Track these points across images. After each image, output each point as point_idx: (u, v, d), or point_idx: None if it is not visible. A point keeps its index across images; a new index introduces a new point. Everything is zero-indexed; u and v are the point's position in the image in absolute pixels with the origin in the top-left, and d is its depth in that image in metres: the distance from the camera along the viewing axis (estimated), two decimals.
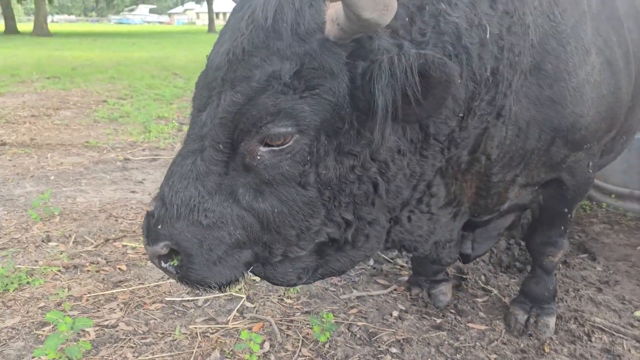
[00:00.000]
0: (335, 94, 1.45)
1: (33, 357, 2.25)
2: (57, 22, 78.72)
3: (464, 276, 3.19)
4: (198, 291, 1.75)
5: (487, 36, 1.71)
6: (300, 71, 1.42)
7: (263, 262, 1.69)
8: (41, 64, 14.10)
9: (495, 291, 3.02)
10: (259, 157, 1.47)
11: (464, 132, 1.81)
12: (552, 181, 2.29)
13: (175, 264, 1.54)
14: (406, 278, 3.08)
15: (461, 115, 1.74)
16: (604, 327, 2.68)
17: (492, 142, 1.92)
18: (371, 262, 3.30)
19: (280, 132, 1.44)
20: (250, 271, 1.69)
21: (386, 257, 3.40)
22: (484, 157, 1.96)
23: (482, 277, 3.19)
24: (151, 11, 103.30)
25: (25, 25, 46.11)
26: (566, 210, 2.45)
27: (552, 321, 2.63)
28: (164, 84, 10.75)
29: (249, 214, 1.52)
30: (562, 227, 2.54)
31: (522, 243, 3.63)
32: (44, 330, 2.49)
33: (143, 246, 1.56)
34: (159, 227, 1.51)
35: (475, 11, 1.69)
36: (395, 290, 2.97)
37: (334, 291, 2.92)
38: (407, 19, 1.59)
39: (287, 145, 1.46)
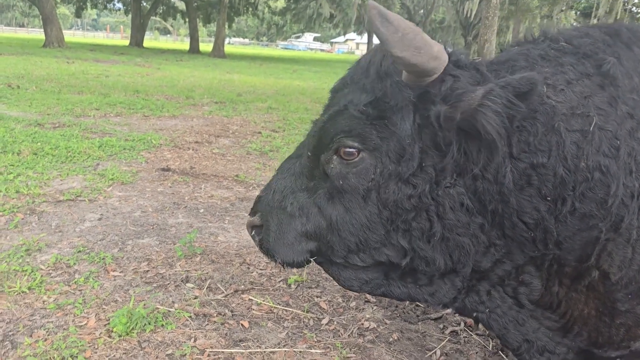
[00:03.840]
0: (399, 126, 1.67)
1: None
2: (233, 44, 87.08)
3: None
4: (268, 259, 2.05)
5: (591, 128, 1.65)
6: (373, 102, 1.70)
7: (329, 260, 1.93)
8: (212, 87, 15.64)
9: None
10: (332, 166, 1.78)
11: (563, 227, 1.66)
12: None
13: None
14: None
15: (549, 199, 1.66)
16: None
17: (612, 261, 1.68)
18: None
19: (350, 145, 1.72)
20: (319, 264, 1.98)
21: None
22: (597, 273, 1.72)
23: None
24: (315, 39, 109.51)
25: (206, 45, 51.66)
26: None
27: None
28: (315, 119, 11.21)
29: (320, 213, 1.83)
30: None
31: None
32: None
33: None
34: (258, 203, 1.99)
35: (584, 102, 1.70)
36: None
37: None
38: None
39: (354, 160, 1.73)
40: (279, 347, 3.02)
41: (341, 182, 1.76)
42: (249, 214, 2.02)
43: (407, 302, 3.72)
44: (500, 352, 3.18)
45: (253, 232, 2.00)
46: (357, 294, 3.78)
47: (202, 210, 5.24)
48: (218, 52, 36.00)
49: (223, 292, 3.60)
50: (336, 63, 40.33)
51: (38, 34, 61.66)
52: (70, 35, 67.02)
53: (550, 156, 1.65)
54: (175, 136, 8.45)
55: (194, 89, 14.82)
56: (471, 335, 3.37)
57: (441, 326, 3.48)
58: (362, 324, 3.39)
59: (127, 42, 47.23)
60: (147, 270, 3.83)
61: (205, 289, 3.63)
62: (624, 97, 1.72)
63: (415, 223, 1.72)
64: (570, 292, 1.82)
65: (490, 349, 3.22)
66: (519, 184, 1.68)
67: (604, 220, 1.65)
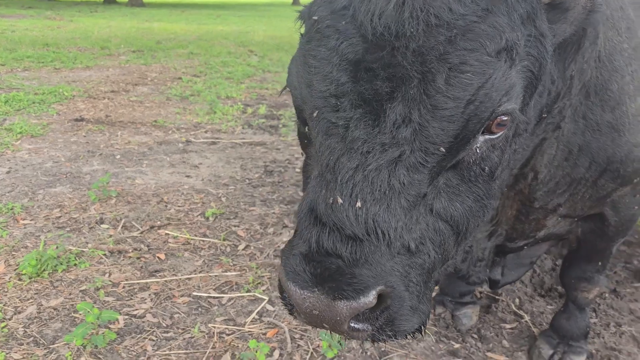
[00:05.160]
0: (538, 63, 1.27)
1: (64, 342, 2.46)
2: None
3: (496, 297, 3.07)
4: (395, 342, 1.34)
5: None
6: (530, 40, 1.23)
7: None
8: (130, 36, 14.86)
9: (527, 317, 2.88)
10: (477, 151, 1.23)
11: (529, 139, 1.64)
12: (594, 215, 2.14)
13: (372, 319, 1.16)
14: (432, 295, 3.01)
15: (544, 115, 1.58)
16: None
17: (542, 159, 1.80)
18: None
19: (509, 112, 1.21)
20: None
21: None
22: (531, 174, 1.84)
23: (516, 300, 3.05)
24: None
25: None
26: (605, 246, 2.28)
27: None
28: (238, 62, 11.00)
29: (445, 222, 1.24)
30: (600, 263, 2.37)
31: None
32: (80, 314, 2.71)
33: (312, 310, 1.13)
34: (362, 268, 1.11)
35: None
36: (431, 307, 2.91)
37: None
38: None
39: (503, 132, 1.24)
40: (194, 274, 3.12)
41: (481, 168, 1.27)
42: (339, 298, 1.09)
43: None
44: None
45: (358, 325, 1.15)
46: (274, 220, 3.90)
47: (118, 157, 5.13)
48: (136, 1, 33.93)
49: (139, 230, 3.62)
50: (262, 6, 39.12)
51: None
52: None
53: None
54: (89, 87, 8.08)
55: (109, 39, 14.03)
56: None
57: None
58: (279, 246, 3.53)
59: None
60: (60, 217, 3.78)
61: (120, 227, 3.64)
62: None
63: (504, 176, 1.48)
64: (503, 200, 1.93)
65: None
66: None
67: (554, 124, 1.72)
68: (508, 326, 2.81)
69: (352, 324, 1.14)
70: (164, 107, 7.15)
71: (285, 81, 1.39)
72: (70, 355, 2.38)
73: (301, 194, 4.38)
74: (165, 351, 2.46)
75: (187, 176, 4.72)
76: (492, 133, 1.22)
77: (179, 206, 4.07)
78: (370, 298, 1.10)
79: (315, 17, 1.24)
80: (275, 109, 7.27)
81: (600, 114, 1.77)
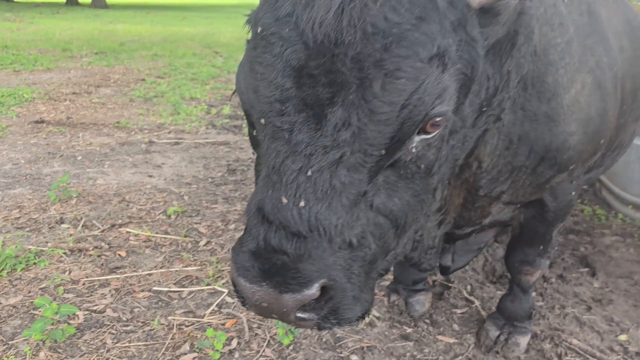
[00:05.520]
0: (470, 66, 1.36)
1: (23, 338, 2.47)
2: None
3: (449, 284, 3.20)
4: (341, 329, 1.46)
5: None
6: (461, 45, 1.30)
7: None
8: (92, 38, 14.64)
9: (477, 302, 3.02)
10: (413, 150, 1.31)
11: (472, 131, 1.74)
12: (534, 201, 2.27)
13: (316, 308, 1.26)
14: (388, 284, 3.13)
15: (484, 108, 1.68)
16: (579, 350, 2.65)
17: (485, 149, 1.90)
18: None
19: (442, 113, 1.28)
20: None
21: None
22: (475, 164, 1.94)
23: (468, 287, 3.19)
24: None
25: None
26: (545, 231, 2.43)
27: (523, 340, 2.62)
28: (203, 63, 10.98)
29: (384, 217, 1.34)
30: (541, 247, 2.51)
31: None
32: (39, 311, 2.71)
33: (258, 302, 1.23)
34: (305, 263, 1.19)
35: None
36: (374, 295, 3.02)
37: None
38: None
39: (437, 132, 1.32)
40: (155, 270, 3.16)
41: (417, 166, 1.35)
42: (285, 292, 1.19)
43: None
44: None
45: (303, 314, 1.25)
46: (236, 217, 3.97)
47: (79, 158, 5.10)
48: (99, 2, 33.32)
49: (99, 228, 3.63)
50: (229, 8, 38.95)
51: None
52: None
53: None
54: (50, 89, 7.96)
55: (71, 41, 13.80)
56: None
57: None
58: None
59: None
60: (19, 217, 3.75)
61: (80, 226, 3.64)
62: None
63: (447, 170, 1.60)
64: (450, 189, 2.02)
65: None
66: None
67: (494, 116, 1.80)
68: (459, 311, 2.94)
69: (299, 314, 1.24)
70: (127, 108, 7.11)
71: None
72: (30, 350, 2.40)
73: None
74: (125, 343, 2.50)
75: (150, 176, 4.73)
76: (427, 133, 1.30)
77: (140, 205, 4.09)
78: (314, 290, 1.20)
79: (260, 24, 1.28)
80: (239, 109, 7.30)
81: (537, 105, 1.88)
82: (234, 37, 16.50)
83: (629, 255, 3.71)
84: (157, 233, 3.62)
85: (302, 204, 1.20)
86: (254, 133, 1.43)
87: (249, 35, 1.37)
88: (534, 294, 3.01)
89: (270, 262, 1.21)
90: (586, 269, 3.51)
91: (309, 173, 1.20)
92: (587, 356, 2.60)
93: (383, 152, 1.24)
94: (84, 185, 4.40)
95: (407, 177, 1.35)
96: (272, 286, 1.20)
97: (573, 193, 2.29)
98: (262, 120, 1.28)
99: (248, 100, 1.33)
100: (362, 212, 1.28)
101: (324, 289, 1.23)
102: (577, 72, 1.95)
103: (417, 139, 1.30)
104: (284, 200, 1.21)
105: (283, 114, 1.22)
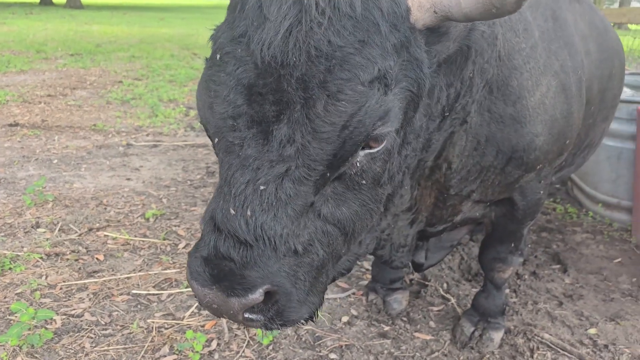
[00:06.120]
0: (416, 83, 1.39)
1: None
2: None
3: (426, 283, 3.26)
4: (287, 329, 1.53)
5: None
6: (404, 65, 1.34)
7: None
8: (67, 39, 14.43)
9: (453, 300, 3.09)
10: (358, 164, 1.36)
11: (438, 134, 1.83)
12: (504, 200, 2.34)
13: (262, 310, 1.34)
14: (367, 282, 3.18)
15: (447, 114, 1.76)
16: (550, 344, 2.73)
17: (454, 150, 1.96)
18: None
19: (384, 134, 1.33)
20: None
21: None
22: (445, 165, 2.00)
23: (444, 285, 3.26)
24: None
25: None
26: (516, 228, 2.50)
27: (497, 336, 2.70)
28: (181, 65, 10.93)
29: (333, 225, 1.41)
30: (513, 245, 2.59)
31: None
32: (16, 316, 2.69)
33: (211, 303, 1.32)
34: (250, 270, 1.27)
35: None
36: (353, 294, 3.08)
37: None
38: None
39: (382, 146, 1.37)
40: (134, 273, 3.15)
41: (363, 178, 1.40)
42: (230, 295, 1.28)
43: None
44: None
45: (251, 315, 1.34)
46: None
47: (55, 161, 5.05)
48: (74, 2, 32.84)
49: (77, 232, 3.61)
50: (207, 9, 38.76)
51: None
52: None
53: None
54: (24, 91, 7.84)
55: (46, 42, 13.59)
56: None
57: None
58: None
59: None
60: None
61: (57, 231, 3.61)
62: None
63: (399, 178, 1.66)
64: (421, 190, 2.08)
65: None
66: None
67: (460, 119, 1.87)
68: (435, 309, 3.01)
69: (247, 315, 1.33)
70: (103, 111, 7.04)
71: None
72: (6, 355, 2.38)
73: None
74: (103, 347, 2.49)
75: (128, 179, 4.71)
76: (371, 148, 1.35)
77: (118, 208, 4.07)
78: (257, 295, 1.28)
79: (217, 44, 1.36)
80: None
81: (503, 107, 1.95)
82: None
83: (599, 252, 3.82)
84: (135, 236, 3.61)
85: (248, 214, 1.26)
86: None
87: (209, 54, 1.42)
88: (507, 290, 3.10)
89: (219, 268, 1.29)
90: (558, 266, 3.61)
91: (255, 185, 1.26)
92: (558, 350, 2.69)
93: (326, 167, 1.29)
94: (60, 189, 4.36)
95: (355, 188, 1.41)
96: (220, 290, 1.28)
97: (542, 192, 2.37)
98: (216, 135, 1.34)
99: (204, 116, 1.39)
100: (310, 221, 1.35)
101: (268, 294, 1.30)
102: (542, 76, 2.02)
103: (361, 153, 1.35)
104: (232, 211, 1.28)
105: (234, 130, 1.28)
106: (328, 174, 1.32)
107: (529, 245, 3.81)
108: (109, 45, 13.68)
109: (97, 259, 3.30)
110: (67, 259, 3.26)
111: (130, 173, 4.86)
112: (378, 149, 1.36)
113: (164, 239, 3.59)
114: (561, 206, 4.55)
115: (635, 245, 3.89)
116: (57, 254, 3.31)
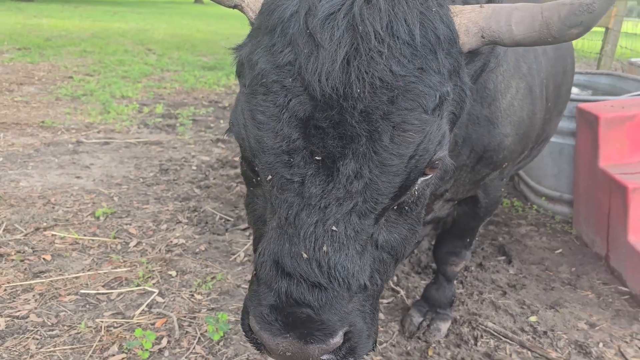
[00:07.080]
0: (459, 106, 1.40)
1: None
2: None
3: None
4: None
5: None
6: (455, 88, 1.35)
7: None
8: (15, 32, 13.85)
9: (402, 292, 3.18)
10: (415, 193, 1.38)
11: None
12: (468, 198, 2.43)
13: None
14: None
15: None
16: (493, 332, 2.85)
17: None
18: None
19: (441, 159, 1.33)
20: None
21: None
22: None
23: (394, 278, 3.35)
24: None
25: None
26: (475, 225, 2.60)
27: (444, 326, 2.80)
28: (135, 60, 10.68)
29: (387, 253, 1.41)
30: (468, 240, 2.70)
31: None
32: None
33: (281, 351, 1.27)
34: (329, 314, 1.23)
35: None
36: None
37: (245, 288, 3.06)
38: None
39: (437, 170, 1.37)
40: (82, 272, 3.09)
41: (417, 204, 1.43)
42: (311, 343, 1.24)
43: (218, 217, 3.98)
44: None
45: (326, 358, 1.29)
46: (168, 217, 3.94)
47: (0, 159, 4.87)
48: None
49: (22, 232, 3.51)
50: (163, 3, 37.95)
51: None
52: None
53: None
54: None
55: None
56: None
57: (247, 234, 3.82)
58: (171, 241, 3.58)
59: None
60: None
61: (1, 230, 3.50)
62: None
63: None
64: None
65: None
66: None
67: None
68: (385, 301, 3.08)
69: (323, 358, 1.28)
70: (52, 107, 6.83)
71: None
72: None
73: (197, 190, 4.44)
74: (49, 348, 2.45)
75: (77, 177, 4.60)
76: (426, 175, 1.34)
77: (67, 207, 3.98)
78: (338, 339, 1.26)
79: (257, 70, 1.25)
80: (172, 108, 7.20)
81: (479, 109, 2.01)
82: (168, 34, 16.12)
83: (542, 243, 4.00)
84: (84, 235, 3.54)
85: (321, 256, 1.22)
86: (249, 173, 1.45)
87: (239, 74, 1.35)
88: (455, 282, 3.21)
89: (294, 316, 1.23)
90: (503, 257, 3.76)
91: (326, 226, 1.22)
92: (500, 337, 2.81)
93: (391, 198, 1.28)
94: (5, 188, 4.22)
95: (406, 214, 1.42)
96: (296, 337, 1.23)
97: (502, 189, 2.47)
98: (269, 171, 1.27)
99: (250, 149, 1.31)
100: (370, 254, 1.33)
101: (344, 334, 1.29)
102: (512, 78, 2.11)
103: (418, 181, 1.35)
104: (304, 255, 1.22)
105: (292, 166, 1.22)
106: (390, 205, 1.31)
107: (477, 238, 3.95)
108: (59, 39, 13.22)
109: (43, 259, 3.22)
110: (12, 260, 3.17)
111: (80, 171, 4.75)
112: (432, 175, 1.36)
113: (115, 238, 3.53)
114: (508, 200, 4.73)
115: (575, 236, 4.10)
116: (1, 255, 3.21)
